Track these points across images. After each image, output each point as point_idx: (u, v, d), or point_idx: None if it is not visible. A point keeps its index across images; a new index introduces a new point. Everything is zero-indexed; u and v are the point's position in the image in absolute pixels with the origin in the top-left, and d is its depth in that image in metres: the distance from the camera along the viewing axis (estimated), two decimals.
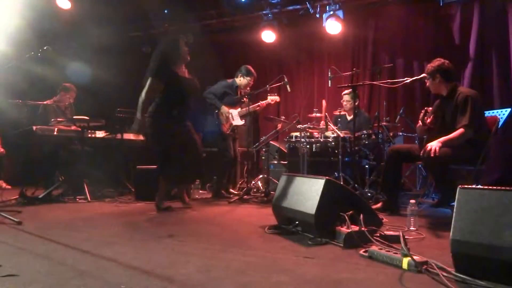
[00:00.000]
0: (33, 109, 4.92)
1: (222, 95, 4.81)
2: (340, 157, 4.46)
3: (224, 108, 4.75)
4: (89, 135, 4.65)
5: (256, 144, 5.37)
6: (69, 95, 5.19)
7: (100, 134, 4.78)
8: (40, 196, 4.24)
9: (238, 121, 4.81)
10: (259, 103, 4.98)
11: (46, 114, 4.96)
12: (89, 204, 4.12)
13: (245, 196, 4.56)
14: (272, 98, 4.94)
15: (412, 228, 2.64)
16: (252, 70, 4.93)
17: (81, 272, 1.74)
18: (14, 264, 1.87)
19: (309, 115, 5.26)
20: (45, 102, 4.93)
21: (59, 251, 2.14)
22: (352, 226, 2.24)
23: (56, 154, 4.87)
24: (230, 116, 4.76)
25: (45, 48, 3.73)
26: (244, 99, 4.88)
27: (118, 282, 1.62)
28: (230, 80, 4.94)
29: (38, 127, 4.48)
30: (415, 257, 1.75)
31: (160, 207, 3.65)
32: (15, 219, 2.85)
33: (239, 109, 4.83)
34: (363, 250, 2.05)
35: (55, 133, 4.43)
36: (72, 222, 3.08)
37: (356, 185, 4.24)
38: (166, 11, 7.02)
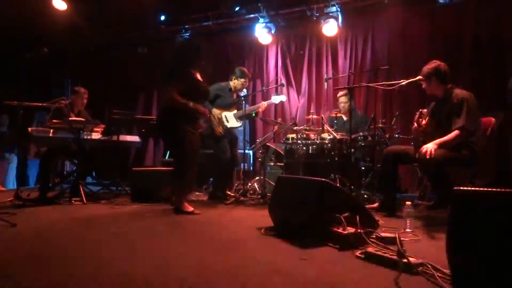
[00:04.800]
0: (28, 111, 4.87)
1: (214, 97, 4.78)
2: (336, 159, 4.47)
3: (215, 111, 4.72)
4: (85, 137, 4.62)
5: (253, 145, 5.37)
6: (80, 98, 5.05)
7: (96, 136, 4.76)
8: (35, 198, 4.21)
9: (233, 123, 4.80)
10: (260, 104, 4.98)
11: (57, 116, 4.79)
12: (85, 206, 4.09)
13: (241, 198, 4.56)
14: (277, 98, 4.97)
15: (408, 230, 2.64)
16: (246, 71, 4.93)
17: (76, 275, 1.73)
18: (7, 266, 1.85)
19: (306, 117, 5.27)
20: (56, 105, 4.80)
21: (54, 253, 2.13)
22: (348, 227, 2.24)
23: (51, 156, 4.85)
24: (223, 118, 4.74)
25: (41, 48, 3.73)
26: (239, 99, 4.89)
27: (113, 284, 1.61)
28: (224, 83, 4.93)
29: (34, 128, 4.45)
30: (411, 259, 1.75)
31: (183, 210, 3.52)
32: (10, 221, 2.83)
33: (235, 111, 4.82)
34: (359, 251, 2.05)
35: (50, 134, 4.40)
36: (68, 224, 3.06)
37: (352, 186, 4.24)
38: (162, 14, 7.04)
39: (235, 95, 4.99)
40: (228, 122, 4.76)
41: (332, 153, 4.55)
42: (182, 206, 3.56)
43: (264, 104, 4.98)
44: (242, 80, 4.86)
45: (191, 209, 3.57)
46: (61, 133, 4.42)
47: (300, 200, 2.53)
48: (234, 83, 4.88)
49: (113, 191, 5.09)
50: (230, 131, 4.83)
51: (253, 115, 5.29)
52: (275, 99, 5.02)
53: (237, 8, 6.57)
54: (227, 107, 4.80)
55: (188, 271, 1.78)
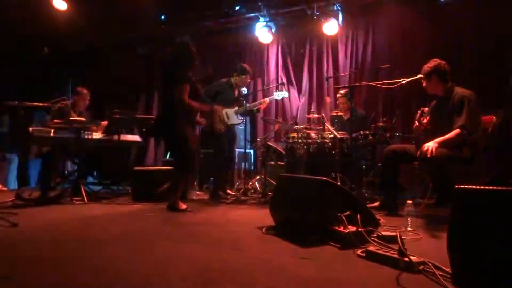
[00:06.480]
0: (28, 112, 4.85)
1: (215, 94, 4.80)
2: (337, 157, 4.47)
3: (216, 107, 4.73)
4: (86, 137, 4.63)
5: (254, 144, 5.38)
6: (82, 99, 5.07)
7: (97, 135, 4.76)
8: (37, 198, 4.22)
9: (234, 120, 4.82)
10: (262, 101, 5.02)
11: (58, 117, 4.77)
12: (86, 205, 4.10)
13: (242, 197, 4.57)
14: (279, 94, 5.01)
15: (409, 229, 2.64)
16: (247, 68, 4.95)
17: (76, 274, 1.73)
18: (8, 266, 1.85)
19: (307, 116, 5.27)
20: (58, 105, 4.80)
21: (55, 253, 2.13)
22: (349, 226, 2.23)
23: (53, 155, 4.85)
24: (224, 115, 4.74)
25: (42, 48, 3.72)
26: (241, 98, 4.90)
27: (114, 284, 1.61)
28: (225, 80, 4.96)
29: (35, 128, 4.45)
30: (412, 257, 1.75)
31: (178, 208, 3.62)
32: (11, 221, 2.83)
33: (236, 108, 4.83)
34: (360, 250, 2.05)
35: (51, 134, 4.40)
36: (68, 224, 3.06)
37: (353, 185, 4.24)
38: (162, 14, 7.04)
39: (236, 92, 5.00)
40: (228, 119, 4.77)
41: (333, 152, 4.55)
42: (177, 204, 3.63)
43: (266, 100, 5.02)
44: (243, 76, 4.88)
45: (184, 206, 3.66)
46: (62, 133, 4.42)
47: (301, 199, 2.53)
48: (236, 79, 4.90)
49: (114, 190, 5.10)
50: (230, 129, 4.84)
51: (255, 111, 5.31)
52: (278, 95, 5.09)
53: (237, 7, 6.56)
54: (228, 104, 4.81)
55: (189, 271, 1.78)
